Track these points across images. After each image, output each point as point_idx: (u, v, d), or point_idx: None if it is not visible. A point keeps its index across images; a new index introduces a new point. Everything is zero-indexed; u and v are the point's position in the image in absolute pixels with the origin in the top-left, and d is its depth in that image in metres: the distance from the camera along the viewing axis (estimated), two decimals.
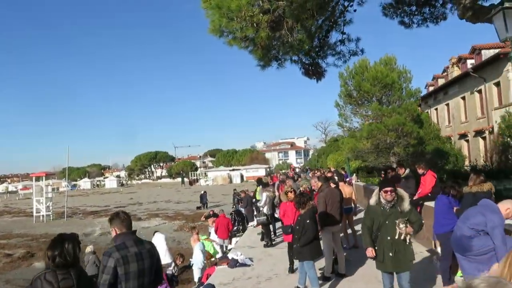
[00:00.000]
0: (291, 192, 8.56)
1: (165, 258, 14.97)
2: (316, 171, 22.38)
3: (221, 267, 9.23)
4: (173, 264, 10.80)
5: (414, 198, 9.57)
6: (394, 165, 21.34)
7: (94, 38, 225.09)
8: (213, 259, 15.66)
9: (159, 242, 15.26)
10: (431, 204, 9.12)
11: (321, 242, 7.22)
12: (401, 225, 5.28)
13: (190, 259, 12.88)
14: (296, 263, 7.97)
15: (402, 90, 20.83)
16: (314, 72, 9.85)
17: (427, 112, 37.79)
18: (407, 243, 5.49)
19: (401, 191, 5.74)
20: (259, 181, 16.62)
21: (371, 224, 5.64)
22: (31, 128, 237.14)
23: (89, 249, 14.02)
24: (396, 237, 5.37)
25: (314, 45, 9.46)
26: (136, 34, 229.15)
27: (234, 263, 9.04)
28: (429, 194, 9.20)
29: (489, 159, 26.74)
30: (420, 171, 9.37)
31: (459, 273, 7.16)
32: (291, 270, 8.42)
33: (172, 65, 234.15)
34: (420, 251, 9.53)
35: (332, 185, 8.84)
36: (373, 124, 20.56)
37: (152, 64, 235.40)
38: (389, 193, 5.45)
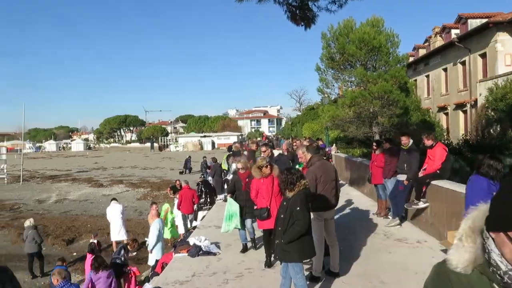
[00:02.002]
0: (266, 166, 6.79)
1: (119, 234, 13.18)
2: (295, 140, 20.64)
3: (179, 256, 7.37)
4: (122, 251, 8.98)
5: (419, 176, 7.99)
6: (377, 136, 19.92)
7: None
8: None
9: (115, 214, 13.42)
10: (440, 183, 7.57)
11: None
12: None
13: (146, 238, 11.05)
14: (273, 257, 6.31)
15: (389, 55, 19.10)
16: (303, 17, 7.93)
17: (413, 80, 36.53)
18: None
19: None
20: (229, 148, 14.74)
21: None
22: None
23: (28, 222, 11.98)
24: None
25: None
26: None
27: (196, 251, 7.23)
28: (438, 171, 7.60)
29: (469, 133, 25.81)
30: (428, 142, 7.71)
31: None
32: (268, 263, 6.66)
33: (144, 27, 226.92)
34: (419, 240, 7.97)
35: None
36: (357, 91, 18.85)
37: (124, 26, 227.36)
38: None
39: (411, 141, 8.58)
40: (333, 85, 20.67)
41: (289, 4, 7.82)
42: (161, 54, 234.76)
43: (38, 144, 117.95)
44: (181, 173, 35.54)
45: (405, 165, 8.36)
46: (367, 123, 20.01)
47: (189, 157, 38.64)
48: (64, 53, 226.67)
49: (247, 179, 7.60)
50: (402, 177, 8.41)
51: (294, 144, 17.30)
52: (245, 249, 7.78)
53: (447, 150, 7.76)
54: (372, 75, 18.71)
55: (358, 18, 19.86)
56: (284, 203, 5.01)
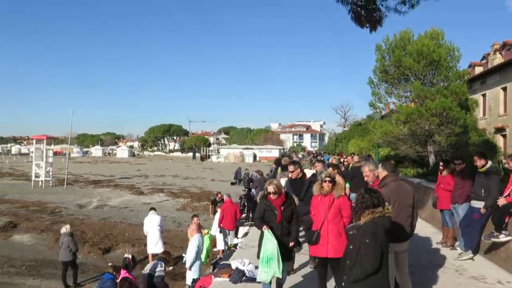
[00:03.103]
0: (326, 181, 5.86)
1: (156, 246, 12.53)
2: (343, 156, 19.61)
3: (220, 280, 6.55)
4: (161, 264, 8.29)
5: (501, 204, 6.85)
6: (432, 156, 18.57)
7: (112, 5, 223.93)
8: (215, 249, 13.18)
9: (152, 225, 12.81)
10: None
11: None
12: None
13: (183, 254, 10.32)
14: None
15: (449, 69, 17.85)
16: (368, 18, 7.08)
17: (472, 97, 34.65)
18: None
19: None
20: (277, 162, 13.87)
21: None
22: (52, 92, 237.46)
23: (64, 229, 11.53)
24: None
25: None
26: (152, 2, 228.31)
27: (239, 277, 6.38)
28: None
29: None
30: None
31: None
32: None
33: (191, 39, 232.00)
34: (500, 279, 6.81)
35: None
36: (412, 107, 17.68)
37: (169, 37, 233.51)
38: None
39: (490, 162, 7.41)
40: (386, 100, 19.63)
41: (355, 3, 6.98)
42: (208, 65, 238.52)
43: (85, 149, 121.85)
44: (232, 184, 35.45)
45: (483, 190, 7.21)
46: (421, 141, 18.75)
47: (239, 168, 38.08)
48: (111, 58, 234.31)
49: (282, 207, 5.96)
50: (478, 204, 7.28)
51: (344, 160, 16.26)
52: None
53: None
54: (429, 90, 17.52)
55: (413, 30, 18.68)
56: (354, 232, 4.07)
